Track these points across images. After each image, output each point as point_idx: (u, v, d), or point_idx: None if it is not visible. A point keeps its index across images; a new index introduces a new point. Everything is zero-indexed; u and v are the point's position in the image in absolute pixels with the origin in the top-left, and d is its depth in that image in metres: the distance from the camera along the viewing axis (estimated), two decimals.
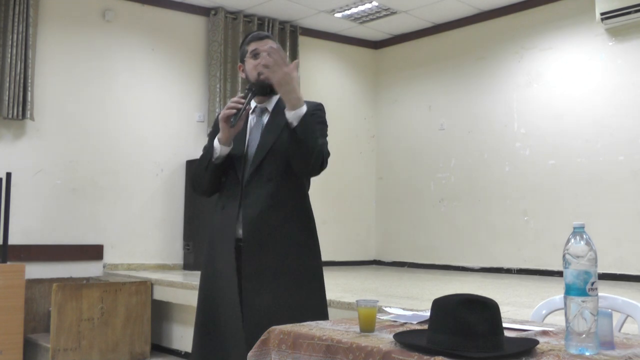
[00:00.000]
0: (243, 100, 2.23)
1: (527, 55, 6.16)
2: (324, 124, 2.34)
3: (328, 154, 2.28)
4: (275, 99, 2.37)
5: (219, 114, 2.32)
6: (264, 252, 2.20)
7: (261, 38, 2.37)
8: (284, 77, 2.14)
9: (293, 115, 2.16)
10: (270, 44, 2.30)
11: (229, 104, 2.25)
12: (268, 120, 2.34)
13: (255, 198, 2.24)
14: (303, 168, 2.23)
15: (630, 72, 5.44)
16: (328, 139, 2.35)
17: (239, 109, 2.21)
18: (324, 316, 2.24)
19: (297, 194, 2.32)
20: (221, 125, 2.26)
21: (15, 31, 5.31)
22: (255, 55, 2.33)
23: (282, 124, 2.25)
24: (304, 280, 2.24)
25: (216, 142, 2.30)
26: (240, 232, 2.23)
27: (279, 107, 2.31)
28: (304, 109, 2.17)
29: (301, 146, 2.16)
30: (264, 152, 2.27)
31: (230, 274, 2.20)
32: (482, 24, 6.56)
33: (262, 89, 2.30)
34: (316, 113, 2.30)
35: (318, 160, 2.19)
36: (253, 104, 2.37)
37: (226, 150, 2.30)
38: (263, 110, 2.38)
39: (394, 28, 7.11)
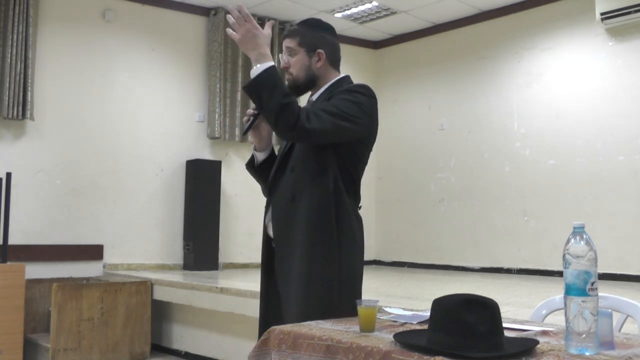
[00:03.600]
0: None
1: (527, 55, 6.16)
2: (349, 102, 2.04)
3: (314, 117, 1.97)
4: (321, 90, 2.19)
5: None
6: (291, 253, 2.07)
7: (284, 37, 2.24)
8: (246, 33, 1.97)
9: (254, 72, 1.97)
10: (285, 44, 2.19)
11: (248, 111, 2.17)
12: None
13: (281, 191, 2.12)
14: (272, 129, 2.05)
15: (630, 72, 5.44)
16: None
17: (252, 115, 2.12)
18: None
19: (321, 184, 2.04)
20: None
21: (15, 31, 5.30)
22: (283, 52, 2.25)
23: None
24: (334, 285, 2.07)
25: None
26: (271, 232, 2.16)
27: (322, 96, 2.16)
28: (266, 65, 1.95)
29: (257, 104, 1.99)
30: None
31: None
32: (482, 24, 6.56)
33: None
34: (337, 95, 2.07)
35: (280, 120, 1.93)
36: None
37: (261, 155, 2.23)
38: (310, 104, 2.21)
39: (394, 28, 7.10)
